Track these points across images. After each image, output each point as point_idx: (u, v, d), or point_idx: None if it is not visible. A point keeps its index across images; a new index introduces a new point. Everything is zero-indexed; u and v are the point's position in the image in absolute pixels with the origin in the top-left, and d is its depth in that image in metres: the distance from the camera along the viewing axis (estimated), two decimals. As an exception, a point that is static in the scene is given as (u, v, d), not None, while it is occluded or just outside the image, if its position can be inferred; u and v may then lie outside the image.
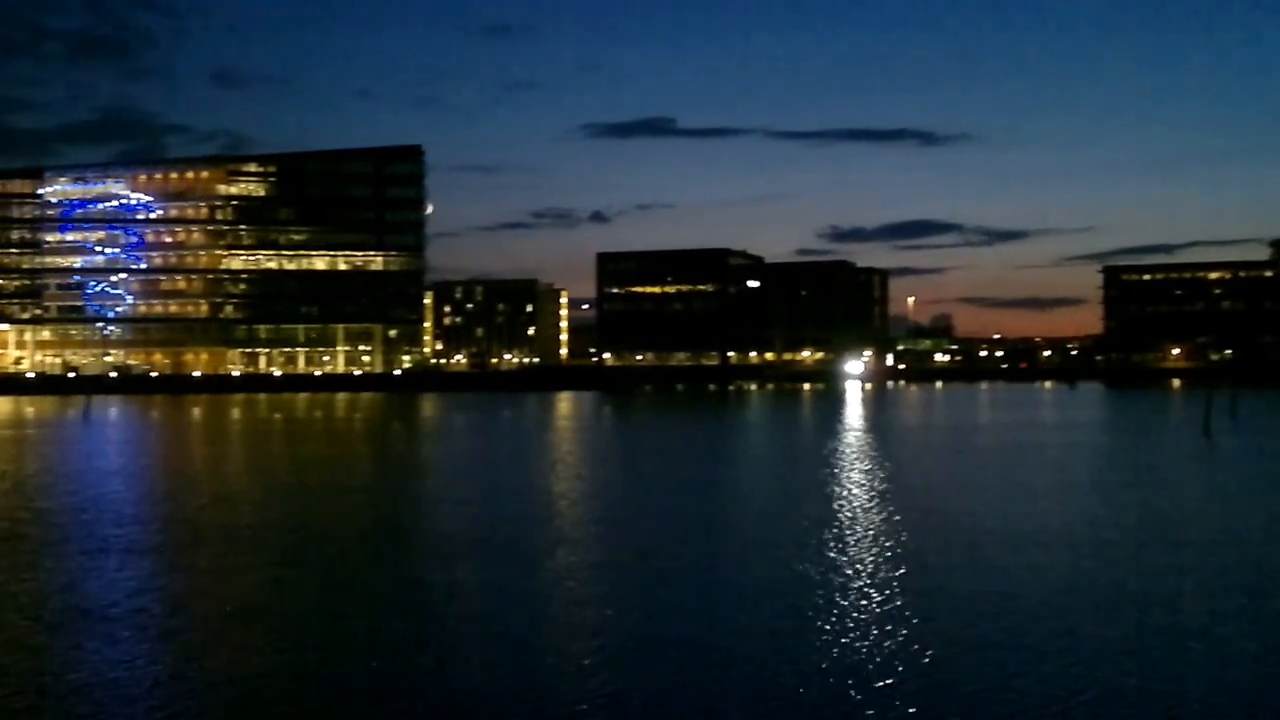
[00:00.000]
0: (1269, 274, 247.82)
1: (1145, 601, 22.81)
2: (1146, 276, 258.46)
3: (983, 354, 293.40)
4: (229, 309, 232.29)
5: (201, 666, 18.25)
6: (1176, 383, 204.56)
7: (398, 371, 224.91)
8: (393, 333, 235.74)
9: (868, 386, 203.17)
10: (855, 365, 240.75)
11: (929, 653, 18.90)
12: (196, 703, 16.39)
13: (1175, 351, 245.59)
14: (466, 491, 44.84)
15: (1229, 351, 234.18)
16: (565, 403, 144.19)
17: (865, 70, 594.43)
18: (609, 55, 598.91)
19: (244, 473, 55.49)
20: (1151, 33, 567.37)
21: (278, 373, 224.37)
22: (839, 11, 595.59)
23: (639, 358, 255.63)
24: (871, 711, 15.94)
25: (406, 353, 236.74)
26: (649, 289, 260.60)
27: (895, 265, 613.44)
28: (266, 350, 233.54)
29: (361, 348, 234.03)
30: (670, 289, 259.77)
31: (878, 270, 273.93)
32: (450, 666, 18.09)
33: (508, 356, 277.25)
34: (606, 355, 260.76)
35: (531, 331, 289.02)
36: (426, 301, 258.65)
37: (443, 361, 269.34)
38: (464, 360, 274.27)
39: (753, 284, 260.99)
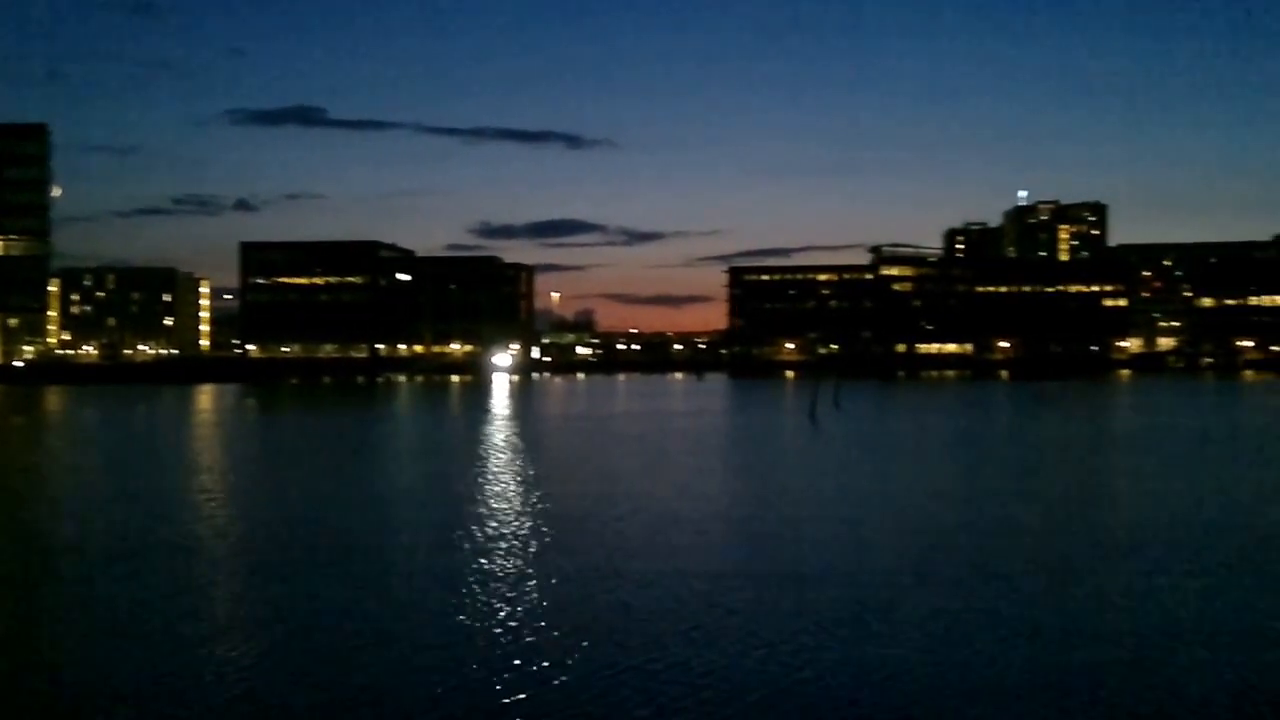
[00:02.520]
0: (869, 277, 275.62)
1: (807, 577, 26.05)
2: (765, 277, 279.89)
3: (621, 347, 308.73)
4: None
5: None
6: (791, 374, 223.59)
7: (18, 363, 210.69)
8: (12, 321, 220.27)
9: (514, 378, 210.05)
10: (503, 358, 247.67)
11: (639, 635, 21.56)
12: None
13: (789, 346, 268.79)
14: (96, 494, 42.96)
15: (834, 346, 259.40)
16: (206, 396, 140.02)
17: (516, 71, 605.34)
18: (256, 40, 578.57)
19: None
20: (776, 50, 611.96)
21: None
22: (493, 12, 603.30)
23: (285, 350, 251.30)
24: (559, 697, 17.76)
25: (28, 343, 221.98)
26: (296, 280, 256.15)
27: (541, 262, 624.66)
28: None
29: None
30: (318, 280, 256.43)
31: (525, 266, 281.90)
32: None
33: (142, 348, 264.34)
34: (251, 347, 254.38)
35: (169, 322, 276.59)
36: (52, 289, 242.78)
37: (70, 352, 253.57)
38: (94, 351, 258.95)
39: (403, 277, 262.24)
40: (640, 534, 32.46)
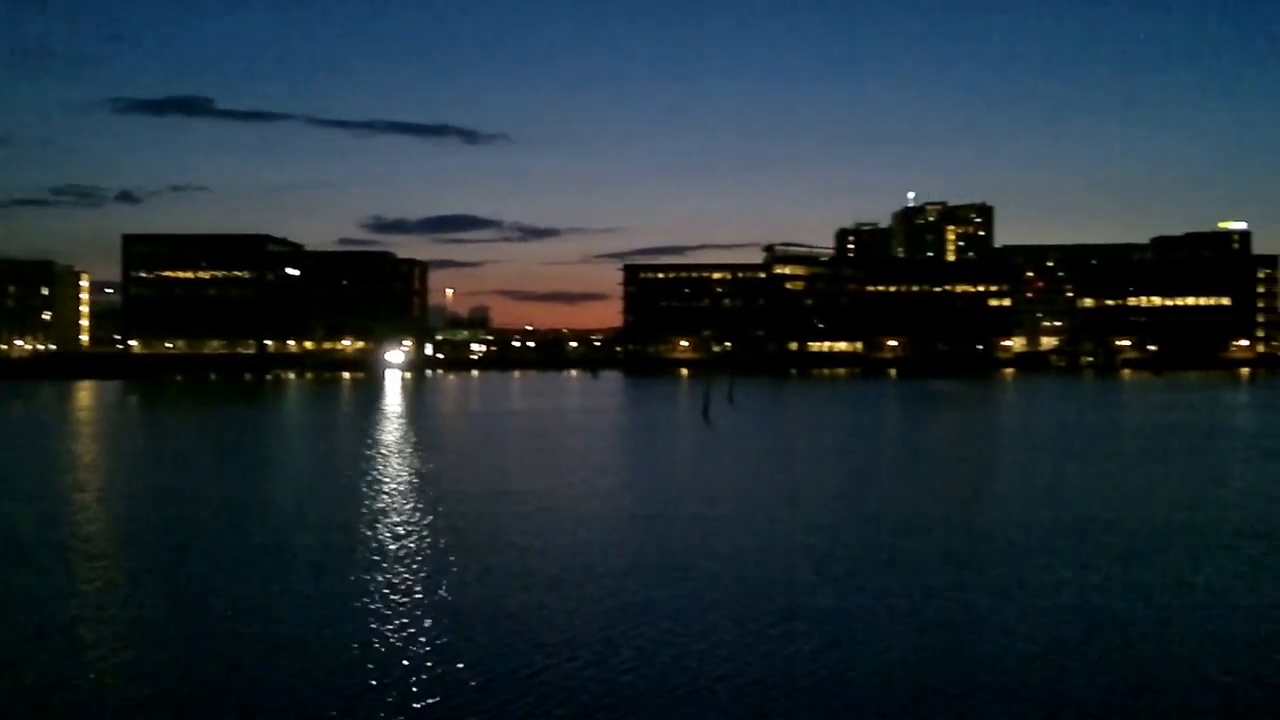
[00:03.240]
0: (762, 275, 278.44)
1: (715, 575, 26.58)
2: (661, 275, 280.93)
3: (516, 345, 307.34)
4: None
5: None
6: (685, 372, 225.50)
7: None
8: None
9: (408, 375, 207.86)
10: (396, 354, 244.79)
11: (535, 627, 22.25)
12: None
13: (684, 343, 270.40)
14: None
15: (728, 344, 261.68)
16: (86, 393, 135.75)
17: (410, 64, 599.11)
18: (141, 26, 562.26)
19: None
20: (673, 47, 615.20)
21: None
22: (388, 2, 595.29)
23: (169, 345, 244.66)
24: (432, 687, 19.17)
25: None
26: (181, 274, 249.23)
27: (435, 258, 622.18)
28: None
29: None
30: (204, 274, 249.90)
31: (418, 262, 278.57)
32: None
33: (19, 343, 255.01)
34: (133, 343, 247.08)
35: (48, 316, 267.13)
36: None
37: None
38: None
39: (292, 272, 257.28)
40: (548, 532, 32.54)
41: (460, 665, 19.42)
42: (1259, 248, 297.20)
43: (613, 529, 33.53)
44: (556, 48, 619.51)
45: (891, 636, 21.30)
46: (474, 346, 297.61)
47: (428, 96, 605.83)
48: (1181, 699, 17.94)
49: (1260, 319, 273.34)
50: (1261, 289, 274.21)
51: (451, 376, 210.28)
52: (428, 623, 22.20)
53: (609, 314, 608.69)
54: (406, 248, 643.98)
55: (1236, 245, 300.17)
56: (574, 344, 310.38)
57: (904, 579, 26.31)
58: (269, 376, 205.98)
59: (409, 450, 59.25)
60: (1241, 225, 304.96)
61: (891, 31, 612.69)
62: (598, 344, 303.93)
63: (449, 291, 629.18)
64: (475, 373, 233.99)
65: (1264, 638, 21.43)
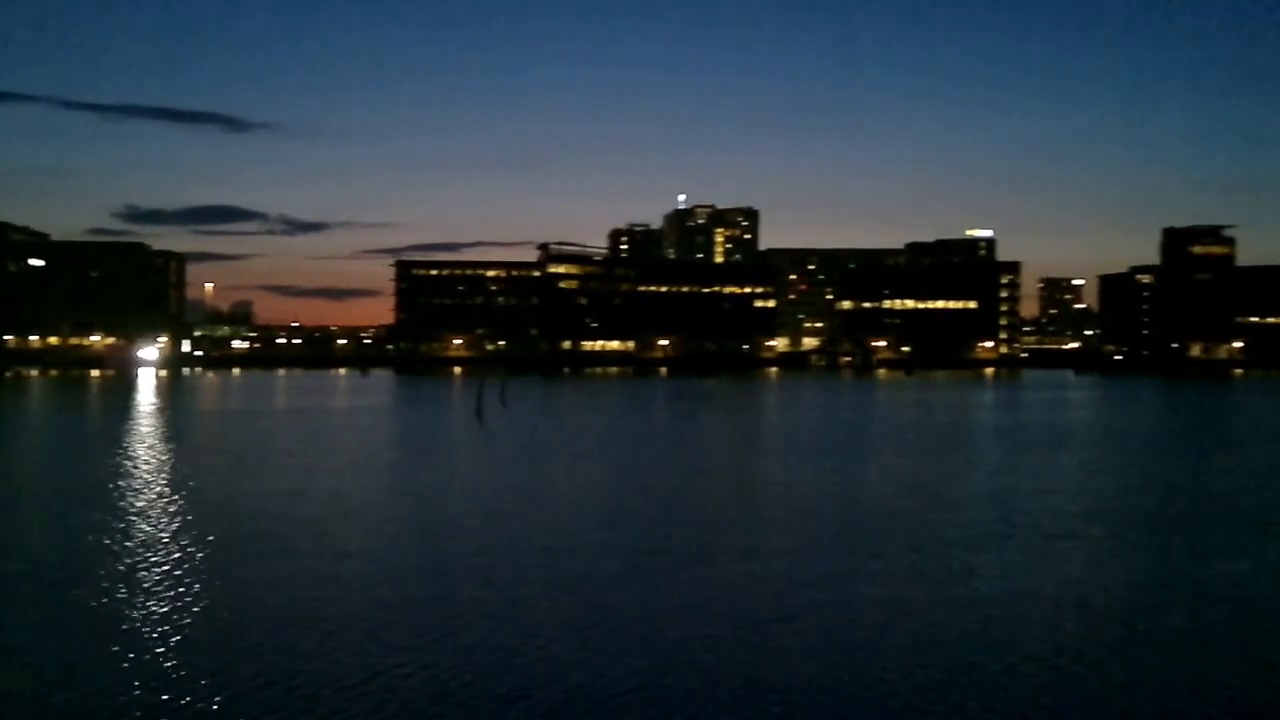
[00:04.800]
0: (537, 274, 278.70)
1: (523, 574, 26.64)
2: (434, 272, 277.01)
3: (281, 341, 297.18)
4: None
5: None
6: (458, 370, 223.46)
7: None
8: None
9: (162, 373, 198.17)
10: (150, 351, 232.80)
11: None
12: None
13: (457, 341, 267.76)
14: None
15: (503, 342, 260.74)
16: None
17: (170, 47, 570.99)
18: None
19: None
20: (447, 42, 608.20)
21: None
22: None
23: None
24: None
25: None
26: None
27: (195, 249, 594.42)
28: None
29: None
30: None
31: (175, 254, 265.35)
32: None
33: None
34: None
35: None
36: None
37: None
38: None
39: (35, 262, 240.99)
40: (342, 535, 31.98)
41: (285, 674, 18.66)
42: (1003, 254, 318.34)
43: (408, 531, 32.92)
44: (327, 36, 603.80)
45: (707, 631, 21.57)
46: (236, 343, 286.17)
47: (188, 81, 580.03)
48: (982, 679, 18.80)
49: (1003, 322, 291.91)
50: (1005, 293, 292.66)
51: (211, 374, 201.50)
52: (241, 631, 21.20)
53: (380, 311, 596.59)
54: (163, 239, 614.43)
55: (983, 251, 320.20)
56: (343, 341, 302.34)
57: (710, 570, 26.80)
58: (8, 374, 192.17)
59: (170, 453, 56.30)
60: (988, 233, 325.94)
61: (663, 37, 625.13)
62: (368, 341, 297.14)
63: (209, 285, 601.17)
64: (237, 370, 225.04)
65: (1043, 618, 22.89)
